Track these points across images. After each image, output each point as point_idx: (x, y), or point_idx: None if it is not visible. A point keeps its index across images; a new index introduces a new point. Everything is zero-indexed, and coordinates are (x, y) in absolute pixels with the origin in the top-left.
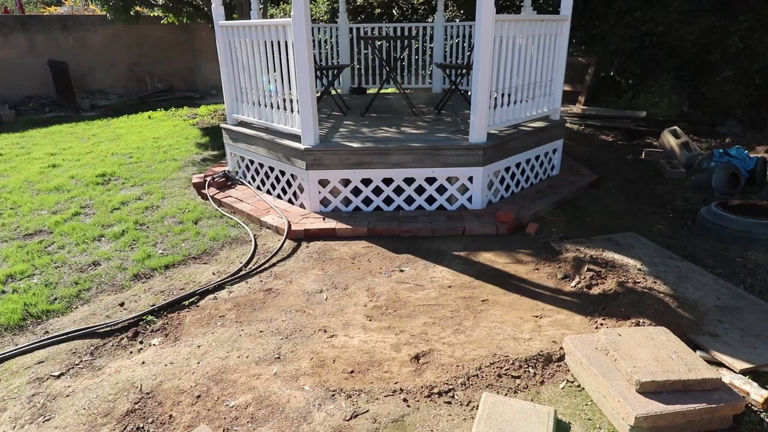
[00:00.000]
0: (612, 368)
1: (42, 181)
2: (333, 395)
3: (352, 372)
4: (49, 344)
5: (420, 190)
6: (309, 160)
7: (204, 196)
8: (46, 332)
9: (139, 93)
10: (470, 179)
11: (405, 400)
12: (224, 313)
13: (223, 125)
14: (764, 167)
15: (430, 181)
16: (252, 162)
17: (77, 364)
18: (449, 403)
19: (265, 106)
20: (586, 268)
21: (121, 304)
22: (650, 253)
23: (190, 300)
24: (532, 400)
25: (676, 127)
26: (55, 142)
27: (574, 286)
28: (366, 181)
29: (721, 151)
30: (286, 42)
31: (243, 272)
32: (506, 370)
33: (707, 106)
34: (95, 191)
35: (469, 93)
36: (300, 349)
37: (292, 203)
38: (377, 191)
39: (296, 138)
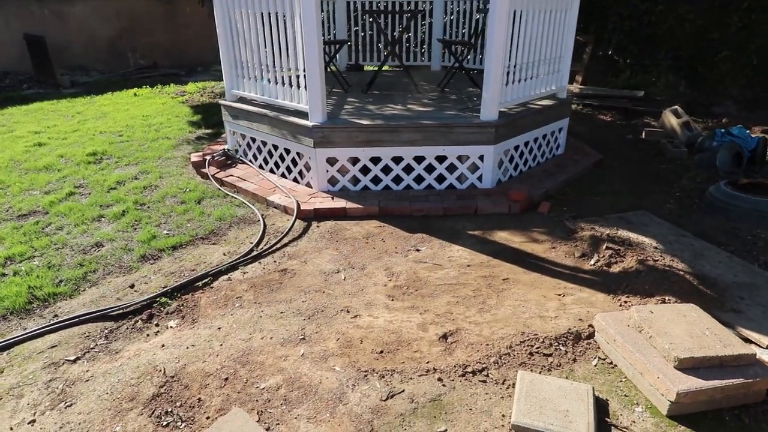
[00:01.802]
0: (647, 345)
1: (29, 160)
2: (365, 376)
3: (381, 352)
4: (61, 328)
5: (430, 169)
6: (317, 138)
7: (204, 175)
8: (55, 315)
9: (121, 69)
10: (481, 158)
11: (440, 379)
12: (241, 294)
13: (221, 102)
14: (765, 147)
15: (441, 159)
16: (254, 140)
17: (92, 348)
18: (484, 381)
19: (269, 81)
20: (604, 247)
21: (131, 286)
22: (664, 232)
23: (204, 281)
24: (566, 377)
25: (677, 107)
26: (37, 120)
27: (593, 265)
28: (375, 160)
29: (723, 130)
30: (292, 13)
31: (255, 253)
32: (537, 348)
33: (704, 86)
34: (88, 170)
35: (474, 71)
36: (325, 330)
37: (298, 182)
38: (386, 170)
39: (303, 115)
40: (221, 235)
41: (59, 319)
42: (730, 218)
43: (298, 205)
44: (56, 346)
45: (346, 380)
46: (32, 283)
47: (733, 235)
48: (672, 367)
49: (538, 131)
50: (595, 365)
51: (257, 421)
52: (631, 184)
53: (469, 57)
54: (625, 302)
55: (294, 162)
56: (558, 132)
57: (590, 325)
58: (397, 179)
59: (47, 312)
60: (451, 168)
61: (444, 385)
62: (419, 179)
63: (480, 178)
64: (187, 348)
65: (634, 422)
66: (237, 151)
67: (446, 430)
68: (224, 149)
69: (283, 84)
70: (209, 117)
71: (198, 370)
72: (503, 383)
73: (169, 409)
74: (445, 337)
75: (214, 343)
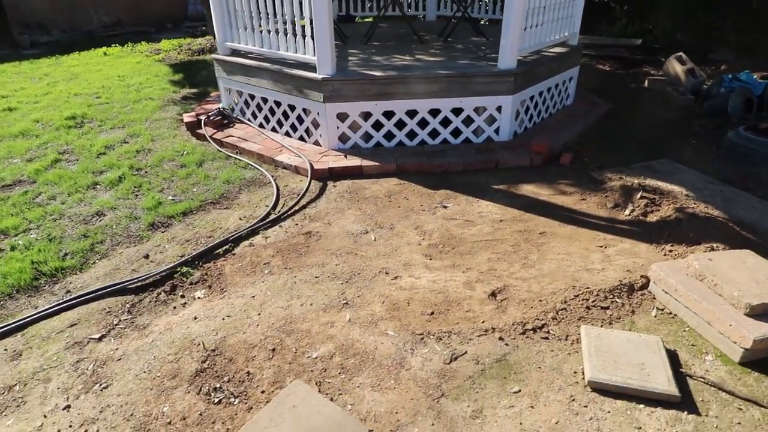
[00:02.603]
0: (711, 293)
1: (1, 126)
2: (422, 338)
3: (432, 313)
4: (77, 304)
5: (445, 123)
6: (327, 92)
7: (200, 137)
8: (68, 291)
9: (84, 27)
10: (498, 109)
11: (501, 338)
12: (268, 260)
13: (214, 56)
14: (764, 92)
15: (457, 112)
16: (252, 97)
17: (117, 324)
18: (546, 338)
19: (269, 32)
20: (638, 196)
21: (146, 257)
22: (691, 179)
23: (224, 248)
24: (629, 330)
25: (681, 54)
26: (1, 83)
27: (629, 215)
28: (388, 115)
29: (730, 76)
30: None
31: (273, 216)
32: (593, 302)
33: (701, 32)
34: (70, 135)
35: (482, 21)
36: (366, 293)
37: (305, 141)
38: (400, 125)
39: (309, 68)
40: (232, 199)
41: (74, 295)
42: (752, 163)
43: (311, 165)
44: (76, 324)
45: (402, 344)
46: (35, 257)
47: (758, 180)
48: (743, 315)
49: (552, 80)
50: (655, 316)
51: (318, 392)
52: (644, 132)
53: (472, 6)
54: (670, 251)
55: (300, 119)
56: (569, 81)
57: (642, 276)
58: (411, 134)
59: (58, 288)
60: (468, 121)
61: (506, 344)
62: (434, 134)
63: (497, 131)
64: (223, 319)
65: (708, 371)
66: (233, 109)
67: (520, 390)
68: (219, 108)
69: (286, 34)
70: (192, 75)
71: (240, 342)
72: (566, 339)
73: (218, 385)
74: (494, 294)
75: (251, 312)
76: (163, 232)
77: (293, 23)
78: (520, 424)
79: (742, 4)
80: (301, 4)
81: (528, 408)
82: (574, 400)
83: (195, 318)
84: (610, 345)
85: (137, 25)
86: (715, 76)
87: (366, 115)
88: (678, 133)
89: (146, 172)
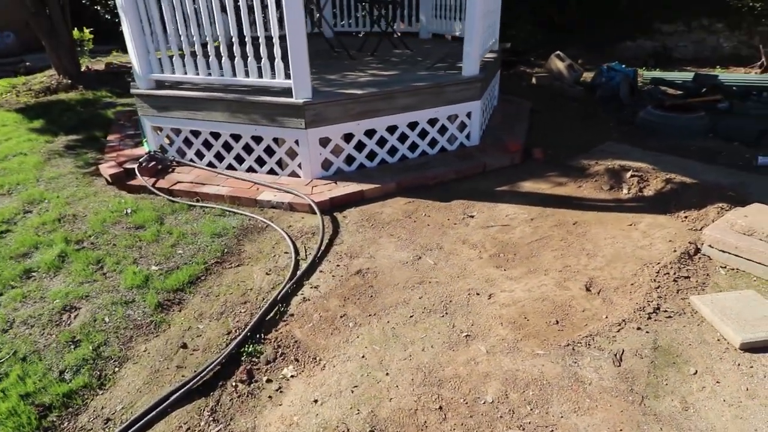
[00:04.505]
0: (764, 243)
1: None
2: (573, 349)
3: (557, 322)
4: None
5: (422, 135)
6: (309, 117)
7: (133, 189)
8: (108, 421)
9: None
10: (468, 115)
11: (639, 328)
12: (342, 312)
13: (137, 92)
14: (636, 77)
15: (432, 122)
16: (197, 134)
17: None
18: (670, 317)
19: (221, 56)
20: (629, 175)
21: (183, 346)
22: (642, 155)
23: (275, 310)
24: (720, 291)
25: (559, 52)
26: None
27: (628, 193)
28: (368, 134)
29: (606, 67)
30: None
31: (304, 264)
32: (674, 275)
33: (557, 33)
34: None
35: (396, 34)
36: (477, 320)
37: (276, 174)
38: (381, 143)
39: (282, 92)
40: (237, 253)
41: (125, 425)
42: (667, 136)
43: (312, 199)
44: None
45: (561, 360)
46: (21, 389)
47: (687, 149)
48: None
49: (493, 81)
50: (725, 273)
51: None
52: (569, 122)
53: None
54: (685, 217)
55: (269, 151)
56: (497, 84)
57: (690, 242)
58: (392, 151)
59: (87, 421)
60: (442, 130)
61: (647, 332)
62: (413, 147)
63: (468, 137)
64: (352, 392)
65: None
66: (166, 151)
67: (696, 371)
68: (151, 152)
69: (246, 57)
70: (56, 120)
71: (395, 412)
72: (684, 313)
73: None
74: (588, 289)
75: (376, 374)
76: (180, 310)
77: (255, 45)
78: (724, 401)
79: (587, 8)
80: (264, 21)
81: (715, 384)
82: (739, 364)
83: (315, 401)
84: (726, 308)
85: None
86: (596, 68)
87: (347, 137)
88: (592, 119)
89: (93, 243)
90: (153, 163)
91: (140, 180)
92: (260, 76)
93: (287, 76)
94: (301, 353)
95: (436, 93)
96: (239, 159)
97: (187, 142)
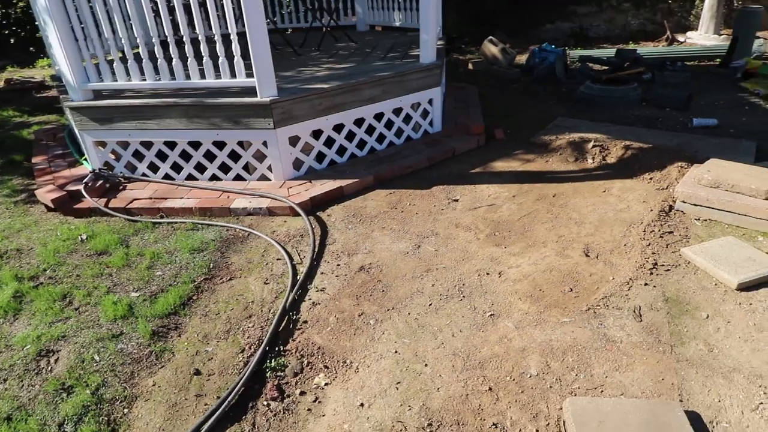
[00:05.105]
0: (730, 193)
1: None
2: (594, 312)
3: (570, 290)
4: None
5: (389, 125)
6: (277, 116)
7: (81, 213)
8: None
9: None
10: (430, 102)
11: (646, 284)
12: (359, 311)
13: (71, 105)
14: (565, 56)
15: (397, 112)
16: (149, 145)
17: None
18: (669, 270)
19: (171, 58)
20: (591, 146)
21: (197, 373)
22: (593, 127)
23: (286, 318)
24: (704, 241)
25: (492, 37)
26: None
27: (593, 162)
28: (337, 129)
29: (537, 48)
30: None
31: (302, 267)
32: (659, 232)
33: (480, 21)
34: None
35: (326, 28)
36: (495, 298)
37: (243, 180)
38: (349, 137)
39: (240, 93)
40: (225, 267)
41: None
42: (607, 107)
43: (292, 201)
44: None
45: (587, 324)
46: None
47: (626, 117)
48: (763, 200)
49: (443, 70)
50: (701, 225)
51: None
52: (516, 103)
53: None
54: (650, 179)
55: (234, 156)
56: (444, 71)
57: (663, 201)
58: (361, 144)
59: None
60: (407, 119)
61: (654, 287)
62: (381, 139)
63: (431, 123)
64: (397, 389)
65: None
66: (113, 168)
67: (708, 315)
68: (95, 170)
69: (201, 57)
70: None
71: (447, 400)
72: (679, 265)
73: None
74: (587, 254)
75: (415, 367)
76: (180, 335)
77: (211, 43)
78: (739, 337)
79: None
80: (218, 17)
81: (727, 324)
82: (740, 303)
83: (362, 405)
84: (715, 255)
85: None
86: (527, 50)
87: (316, 134)
88: (535, 97)
89: (52, 277)
90: (100, 181)
91: (89, 202)
92: (218, 76)
93: (249, 74)
94: (329, 359)
95: (399, 82)
96: (200, 168)
97: (138, 155)
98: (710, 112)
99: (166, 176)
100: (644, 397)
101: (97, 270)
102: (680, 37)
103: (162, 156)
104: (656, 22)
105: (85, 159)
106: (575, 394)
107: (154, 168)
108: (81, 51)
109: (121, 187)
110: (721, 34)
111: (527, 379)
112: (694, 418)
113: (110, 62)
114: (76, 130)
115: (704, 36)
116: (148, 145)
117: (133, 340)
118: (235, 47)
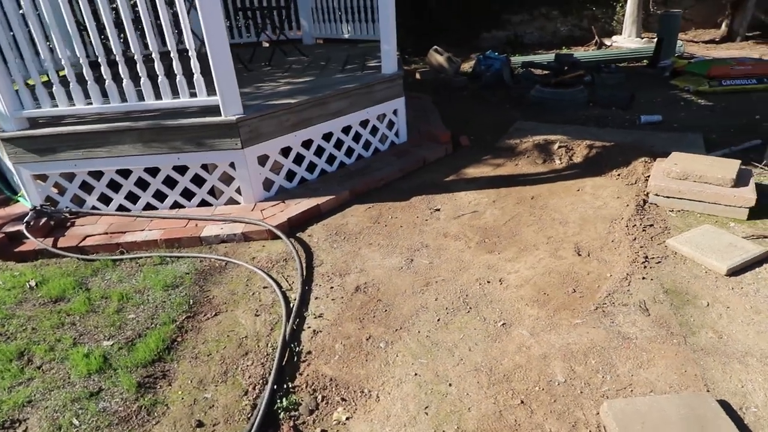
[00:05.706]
0: (699, 184)
1: None
2: (603, 311)
3: (573, 290)
4: None
5: (357, 138)
6: (245, 134)
7: (26, 256)
8: None
9: None
10: (395, 112)
11: (643, 278)
12: (363, 335)
13: (3, 135)
14: (509, 62)
15: (364, 124)
16: (99, 175)
17: None
18: (659, 262)
19: (121, 78)
20: (556, 147)
21: (199, 424)
22: (551, 128)
23: (288, 351)
24: (682, 233)
25: (437, 47)
26: None
27: (561, 162)
28: (305, 145)
29: (481, 56)
30: None
31: (294, 295)
32: (641, 226)
33: (424, 31)
34: None
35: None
36: (501, 306)
37: (209, 205)
38: (318, 152)
39: (199, 113)
40: (207, 301)
41: None
42: (559, 109)
43: (269, 224)
44: None
45: (599, 323)
46: None
47: (578, 118)
48: (729, 188)
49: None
50: (676, 216)
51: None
52: (470, 109)
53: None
54: (618, 175)
55: (198, 181)
56: None
57: (636, 195)
58: (330, 159)
59: None
60: (374, 131)
61: (651, 279)
62: (349, 152)
63: (397, 134)
64: (426, 413)
65: (742, 233)
66: (57, 203)
67: (708, 303)
68: (36, 207)
69: (155, 77)
70: None
71: (480, 420)
72: (667, 256)
73: None
74: (579, 253)
75: (438, 388)
76: (170, 384)
77: (164, 61)
78: (741, 321)
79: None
80: (173, 31)
81: (727, 310)
82: (733, 288)
83: None
84: (699, 244)
85: None
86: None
87: (285, 152)
88: (487, 103)
89: (1, 333)
90: (44, 219)
91: (34, 243)
92: (175, 96)
93: (210, 92)
94: (344, 390)
95: (366, 93)
96: (160, 196)
97: (86, 187)
98: (651, 109)
99: (121, 207)
100: (672, 391)
101: (56, 320)
102: (607, 41)
103: (115, 186)
104: (583, 27)
105: (21, 195)
106: (607, 397)
107: (105, 200)
108: (11, 73)
109: (68, 224)
110: (642, 37)
111: (556, 387)
112: (725, 406)
113: (48, 85)
114: (10, 164)
115: (628, 39)
116: (97, 175)
117: (116, 396)
118: (194, 64)
